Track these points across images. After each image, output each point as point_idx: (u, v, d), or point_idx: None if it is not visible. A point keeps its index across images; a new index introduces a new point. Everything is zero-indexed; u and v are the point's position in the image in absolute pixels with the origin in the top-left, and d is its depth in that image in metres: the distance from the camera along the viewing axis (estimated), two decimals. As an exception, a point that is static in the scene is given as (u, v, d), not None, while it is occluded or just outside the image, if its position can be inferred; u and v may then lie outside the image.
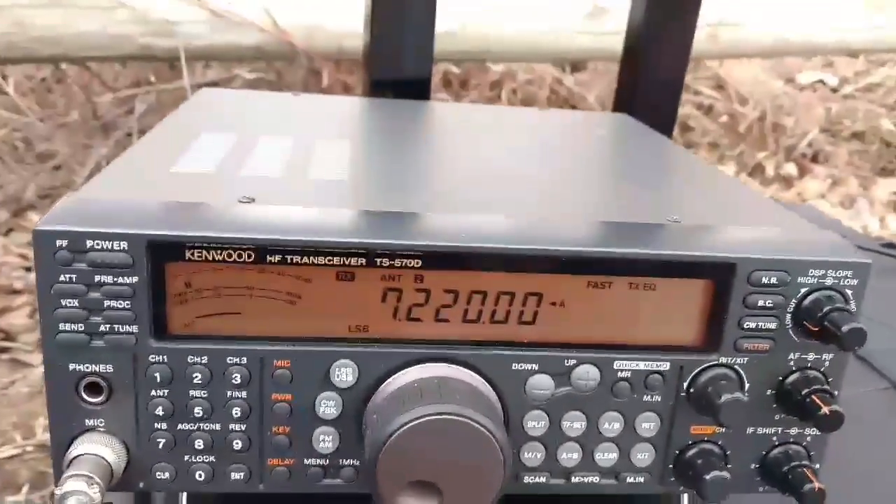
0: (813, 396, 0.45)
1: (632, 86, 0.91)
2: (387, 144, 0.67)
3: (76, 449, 0.42)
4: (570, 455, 0.46)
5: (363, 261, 0.42)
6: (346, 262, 0.42)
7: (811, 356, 0.46)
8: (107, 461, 0.42)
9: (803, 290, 0.44)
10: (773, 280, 0.44)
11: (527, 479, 0.47)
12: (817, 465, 0.48)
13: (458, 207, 0.48)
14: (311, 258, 0.41)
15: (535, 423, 0.45)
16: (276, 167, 0.53)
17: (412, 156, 0.64)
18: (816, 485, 0.46)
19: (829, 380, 0.46)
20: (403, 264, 0.42)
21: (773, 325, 0.45)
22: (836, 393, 0.46)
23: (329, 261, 0.41)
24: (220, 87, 0.89)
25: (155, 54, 1.55)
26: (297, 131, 0.65)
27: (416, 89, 0.83)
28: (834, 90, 2.64)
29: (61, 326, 0.40)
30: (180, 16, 1.52)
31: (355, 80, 1.89)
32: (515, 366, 0.44)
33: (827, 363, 0.46)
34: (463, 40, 1.68)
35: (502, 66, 2.16)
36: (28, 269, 1.77)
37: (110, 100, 1.96)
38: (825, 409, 0.44)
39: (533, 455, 0.46)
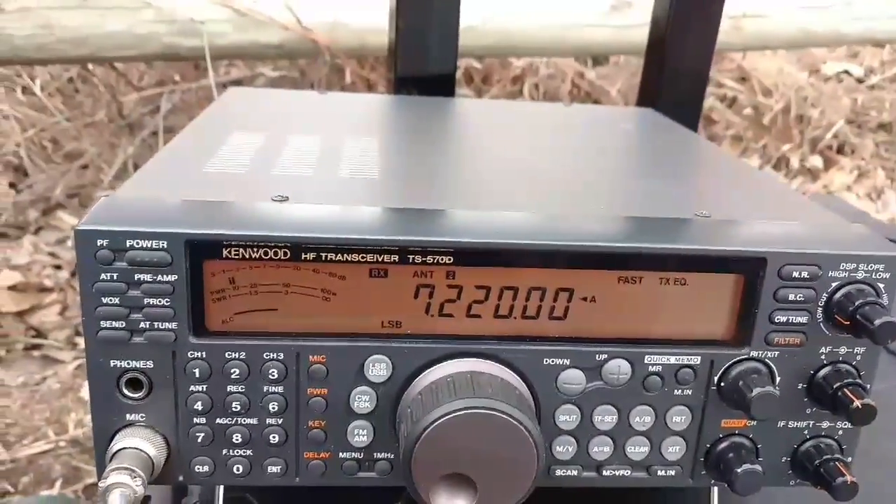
0: (845, 390, 0.45)
1: (656, 79, 0.91)
2: (415, 142, 0.68)
3: (118, 443, 0.43)
4: (601, 448, 0.47)
5: (396, 258, 0.42)
6: (380, 259, 0.42)
7: (843, 350, 0.46)
8: (148, 455, 0.43)
9: (834, 284, 0.44)
10: (804, 274, 0.44)
11: (559, 473, 0.47)
12: (849, 459, 0.48)
13: (488, 204, 0.48)
14: (345, 255, 0.42)
15: (567, 416, 0.46)
16: (307, 166, 0.53)
17: (440, 153, 0.64)
18: (849, 478, 0.46)
19: (861, 373, 0.46)
20: (435, 261, 0.43)
21: (804, 319, 0.45)
22: (868, 386, 0.46)
23: (363, 258, 0.42)
24: (243, 86, 0.90)
25: (180, 53, 1.56)
26: (326, 130, 0.66)
27: (441, 85, 0.84)
28: (860, 81, 2.61)
29: (102, 324, 0.41)
30: (205, 15, 1.53)
31: (377, 76, 1.90)
32: (547, 360, 0.45)
33: (859, 357, 0.46)
34: (485, 34, 1.68)
35: (524, 62, 2.16)
36: (58, 268, 1.79)
37: (136, 99, 1.98)
38: (857, 403, 0.44)
39: (564, 448, 0.46)
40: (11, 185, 1.96)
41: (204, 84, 1.89)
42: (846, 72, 2.61)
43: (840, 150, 2.45)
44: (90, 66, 1.96)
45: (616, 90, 2.21)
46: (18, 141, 1.94)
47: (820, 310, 0.45)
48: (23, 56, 1.48)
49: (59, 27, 1.45)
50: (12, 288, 1.70)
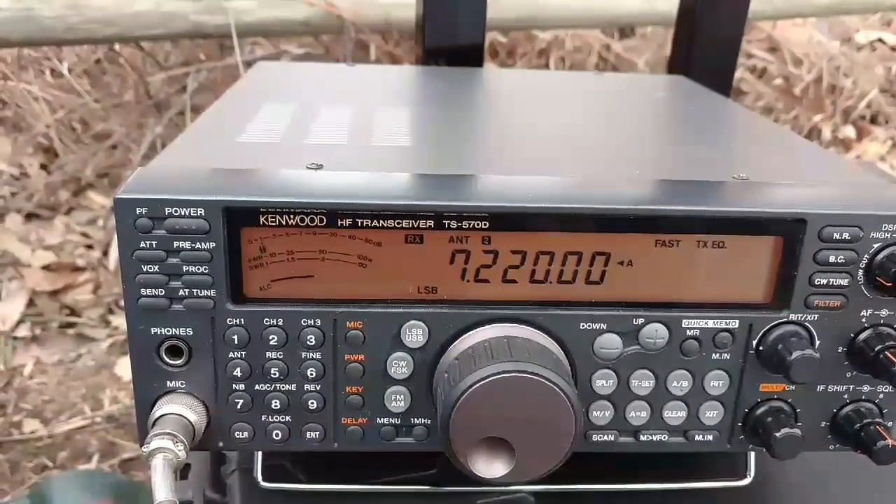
0: (886, 353, 0.44)
1: (687, 47, 0.89)
2: (446, 110, 0.67)
3: (159, 409, 0.43)
4: (638, 413, 0.46)
5: (431, 223, 0.42)
6: (415, 225, 0.42)
7: (884, 312, 0.45)
8: (189, 421, 0.43)
9: (876, 245, 0.43)
10: (845, 235, 0.43)
11: (595, 438, 0.47)
12: (890, 423, 0.47)
13: (523, 169, 0.48)
14: (381, 221, 0.42)
15: (604, 381, 0.46)
16: (340, 135, 0.53)
17: (473, 121, 0.64)
18: (890, 441, 0.45)
19: (903, 336, 0.45)
20: (471, 226, 0.42)
21: (844, 282, 0.44)
22: (910, 349, 0.45)
23: (398, 224, 0.42)
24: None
25: (206, 31, 1.57)
26: (356, 100, 0.66)
27: (470, 56, 0.83)
28: (894, 49, 2.56)
29: (142, 291, 0.42)
30: (230, -8, 1.54)
31: (402, 52, 1.89)
32: (583, 325, 0.44)
33: (900, 319, 0.45)
34: (512, 6, 1.66)
35: (549, 34, 2.14)
36: (90, 247, 1.82)
37: (162, 79, 1.99)
38: (899, 365, 0.43)
39: (601, 413, 0.46)
40: (42, 167, 1.99)
41: (229, 63, 1.89)
42: (880, 40, 2.56)
43: (874, 120, 2.41)
44: (117, 47, 1.97)
45: (643, 62, 2.19)
46: (48, 122, 1.96)
47: (861, 272, 0.44)
48: (51, 36, 1.49)
49: (87, 7, 1.46)
50: (46, 268, 1.73)
